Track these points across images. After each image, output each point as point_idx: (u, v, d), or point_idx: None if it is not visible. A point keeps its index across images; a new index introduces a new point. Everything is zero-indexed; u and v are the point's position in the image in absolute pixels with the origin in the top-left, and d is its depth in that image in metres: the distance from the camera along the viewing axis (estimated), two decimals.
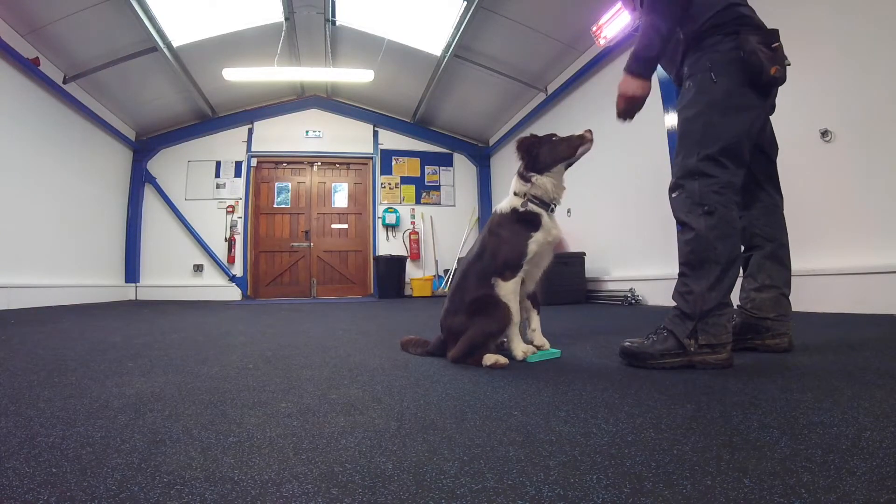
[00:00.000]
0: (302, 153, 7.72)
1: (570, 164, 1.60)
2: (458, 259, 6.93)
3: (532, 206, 1.56)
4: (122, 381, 1.29)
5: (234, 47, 5.71)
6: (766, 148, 1.57)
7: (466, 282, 1.58)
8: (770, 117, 1.59)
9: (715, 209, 1.36)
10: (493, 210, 1.67)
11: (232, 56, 5.72)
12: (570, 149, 1.57)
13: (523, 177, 1.59)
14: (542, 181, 1.57)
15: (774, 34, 1.41)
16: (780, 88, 1.56)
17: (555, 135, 1.63)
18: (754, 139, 1.45)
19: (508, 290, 1.50)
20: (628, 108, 1.52)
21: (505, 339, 1.66)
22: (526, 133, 1.66)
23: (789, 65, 1.41)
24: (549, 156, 1.58)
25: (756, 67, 1.37)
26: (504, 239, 1.54)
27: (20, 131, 4.63)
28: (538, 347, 1.60)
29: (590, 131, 1.58)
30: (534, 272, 1.60)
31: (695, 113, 1.44)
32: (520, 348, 1.54)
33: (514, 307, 1.52)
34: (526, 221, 1.54)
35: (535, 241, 1.53)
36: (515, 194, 1.60)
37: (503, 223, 1.58)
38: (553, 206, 1.60)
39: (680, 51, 1.54)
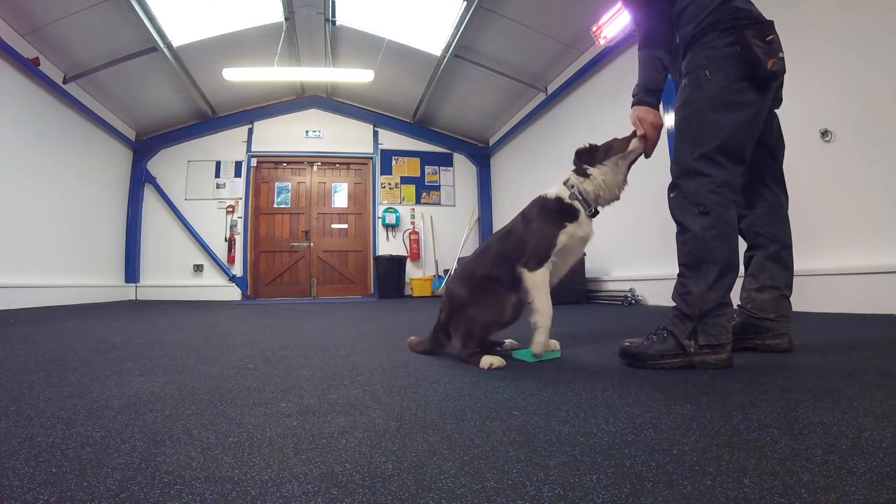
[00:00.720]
0: (302, 153, 7.72)
1: (627, 160, 1.56)
2: (458, 259, 6.93)
3: (576, 202, 1.55)
4: (122, 381, 1.29)
5: (234, 47, 5.71)
6: (770, 145, 1.56)
7: (485, 256, 1.59)
8: (777, 114, 1.58)
9: (711, 209, 1.36)
10: (539, 195, 1.64)
11: (232, 56, 5.72)
12: (623, 143, 1.55)
13: (579, 170, 1.58)
14: (596, 173, 1.54)
15: (769, 26, 1.41)
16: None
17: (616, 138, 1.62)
18: (755, 136, 1.45)
19: (537, 282, 1.48)
20: (658, 136, 1.52)
21: (505, 341, 1.67)
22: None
23: (782, 56, 1.40)
24: (603, 149, 1.57)
25: (753, 62, 1.37)
26: (536, 227, 1.53)
27: (20, 131, 4.63)
28: (550, 350, 1.60)
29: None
30: (560, 267, 1.58)
31: (690, 111, 1.44)
32: (539, 347, 1.49)
33: (542, 299, 1.48)
34: (564, 211, 1.54)
35: (566, 233, 1.51)
36: (565, 184, 1.58)
37: (543, 208, 1.57)
38: (595, 208, 1.57)
39: (681, 54, 1.54)
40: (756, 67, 1.36)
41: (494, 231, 1.77)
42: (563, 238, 1.51)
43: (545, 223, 1.52)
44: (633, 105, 1.51)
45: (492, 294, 1.50)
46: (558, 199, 1.55)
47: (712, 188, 1.37)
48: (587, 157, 1.58)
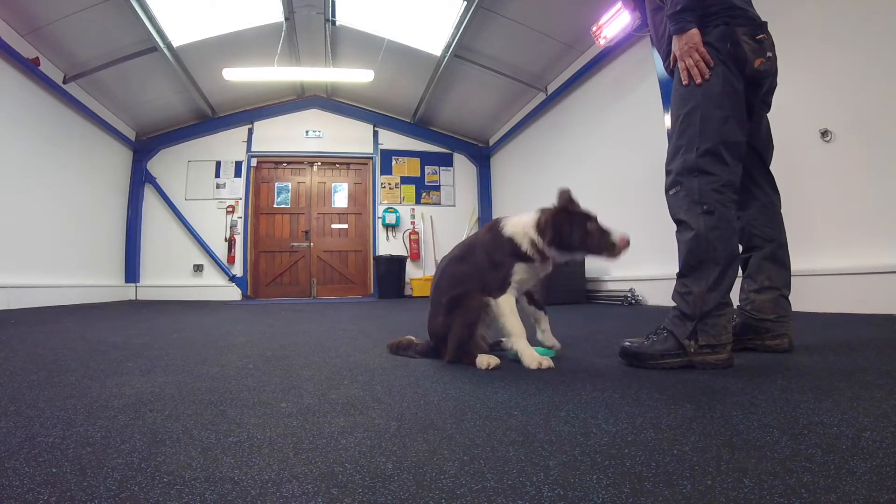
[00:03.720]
0: (302, 153, 7.72)
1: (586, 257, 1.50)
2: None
3: (530, 252, 1.47)
4: (122, 381, 1.29)
5: (234, 47, 5.71)
6: (759, 148, 1.57)
7: (443, 283, 1.59)
8: (768, 116, 1.58)
9: (715, 209, 1.36)
10: (497, 221, 1.58)
11: (232, 56, 5.72)
12: (599, 247, 1.44)
13: (543, 234, 1.44)
14: (555, 255, 1.48)
15: (761, 26, 1.41)
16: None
17: (593, 217, 1.46)
18: (747, 135, 1.45)
19: (503, 308, 1.46)
20: (701, 56, 1.41)
21: (503, 340, 1.67)
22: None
23: (771, 56, 1.40)
24: (575, 244, 1.44)
25: (741, 59, 1.37)
26: (493, 260, 1.50)
27: (20, 131, 4.63)
28: (550, 348, 1.59)
29: (627, 243, 1.43)
30: (521, 287, 1.56)
31: (692, 106, 1.43)
32: (534, 360, 1.42)
33: (513, 321, 1.46)
34: (518, 255, 1.48)
35: (520, 270, 1.47)
36: (523, 230, 1.48)
37: (494, 244, 1.52)
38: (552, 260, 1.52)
39: (666, 37, 1.54)
40: (743, 65, 1.37)
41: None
42: (517, 275, 1.47)
43: (503, 260, 1.47)
44: (681, 33, 1.42)
45: (464, 298, 1.50)
46: (511, 242, 1.47)
47: (716, 187, 1.37)
48: (561, 231, 1.43)
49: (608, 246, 1.43)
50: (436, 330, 1.57)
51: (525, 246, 1.46)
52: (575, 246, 1.44)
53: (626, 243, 1.42)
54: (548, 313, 1.68)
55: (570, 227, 1.43)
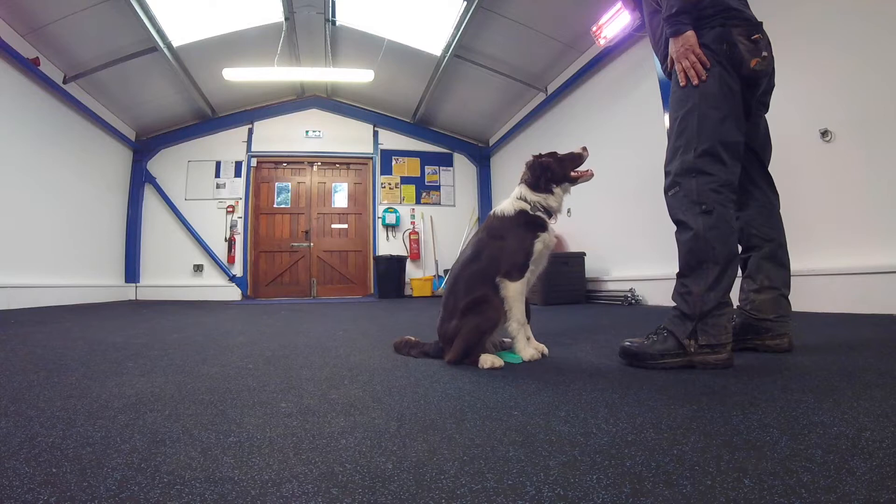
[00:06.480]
0: (302, 153, 7.72)
1: (575, 182, 1.71)
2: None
3: (539, 213, 1.64)
4: (122, 381, 1.29)
5: (234, 47, 5.71)
6: (757, 148, 1.57)
7: (458, 286, 1.59)
8: (766, 116, 1.58)
9: (713, 208, 1.36)
10: (492, 213, 1.71)
11: (232, 56, 5.72)
12: (574, 162, 1.70)
13: (536, 187, 1.67)
14: (559, 192, 1.69)
15: (757, 26, 1.42)
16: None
17: (556, 153, 1.73)
18: (744, 135, 1.45)
19: (517, 291, 1.54)
20: (697, 58, 1.43)
21: (506, 340, 1.67)
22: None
23: (767, 56, 1.40)
24: (558, 168, 1.69)
25: (737, 60, 1.38)
26: (509, 241, 1.58)
27: (20, 131, 4.63)
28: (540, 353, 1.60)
29: (584, 148, 1.72)
30: (531, 277, 1.63)
31: (690, 107, 1.44)
32: (527, 352, 1.54)
33: (520, 308, 1.55)
34: (534, 224, 1.61)
35: (541, 241, 1.59)
36: (522, 200, 1.66)
37: (506, 226, 1.62)
38: (556, 216, 1.69)
39: (663, 40, 1.54)
40: (739, 65, 1.37)
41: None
42: (538, 246, 1.59)
43: (518, 236, 1.59)
44: (677, 35, 1.44)
45: (482, 304, 1.51)
46: (521, 214, 1.63)
47: (714, 187, 1.37)
48: (549, 176, 1.67)
49: (577, 156, 1.71)
50: (446, 333, 1.56)
51: (532, 210, 1.63)
52: (559, 173, 1.67)
53: (584, 148, 1.72)
54: (530, 321, 1.69)
55: (549, 162, 1.69)
